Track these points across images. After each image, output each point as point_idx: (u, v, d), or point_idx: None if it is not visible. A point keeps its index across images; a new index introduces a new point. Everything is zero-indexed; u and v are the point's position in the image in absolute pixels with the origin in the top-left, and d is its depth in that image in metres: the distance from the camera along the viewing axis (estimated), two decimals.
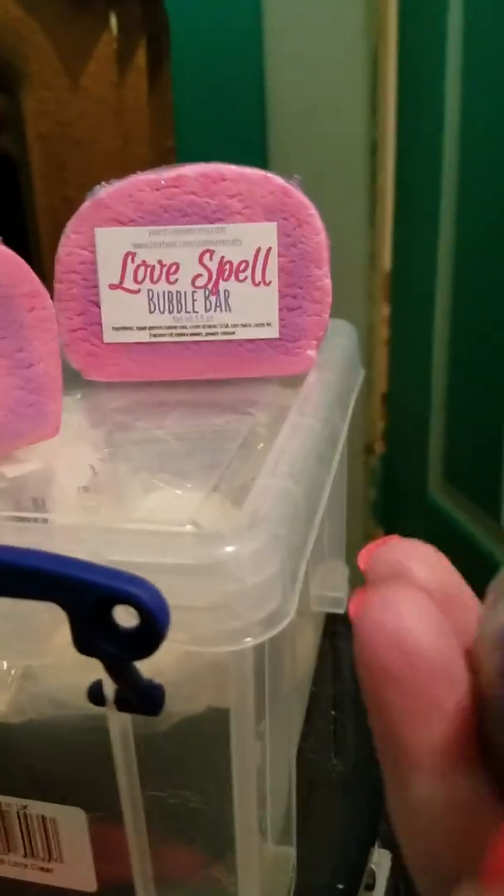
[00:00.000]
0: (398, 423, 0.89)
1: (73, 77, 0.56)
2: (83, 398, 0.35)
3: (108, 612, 0.21)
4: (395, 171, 0.84)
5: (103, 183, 0.32)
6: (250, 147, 0.85)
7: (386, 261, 0.87)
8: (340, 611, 0.39)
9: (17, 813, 0.28)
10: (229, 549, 0.21)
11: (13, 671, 0.27)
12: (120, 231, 0.32)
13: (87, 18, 0.55)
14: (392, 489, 0.90)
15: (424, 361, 0.81)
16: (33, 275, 0.27)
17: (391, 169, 0.85)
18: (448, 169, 0.75)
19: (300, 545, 0.24)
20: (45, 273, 0.60)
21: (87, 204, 0.32)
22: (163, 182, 0.32)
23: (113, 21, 0.56)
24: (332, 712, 0.37)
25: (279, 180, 0.32)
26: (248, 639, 0.21)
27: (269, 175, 0.32)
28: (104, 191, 0.32)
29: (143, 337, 0.34)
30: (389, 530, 0.86)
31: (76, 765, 0.27)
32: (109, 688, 0.23)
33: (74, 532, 0.23)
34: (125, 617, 0.21)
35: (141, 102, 0.60)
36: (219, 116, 0.83)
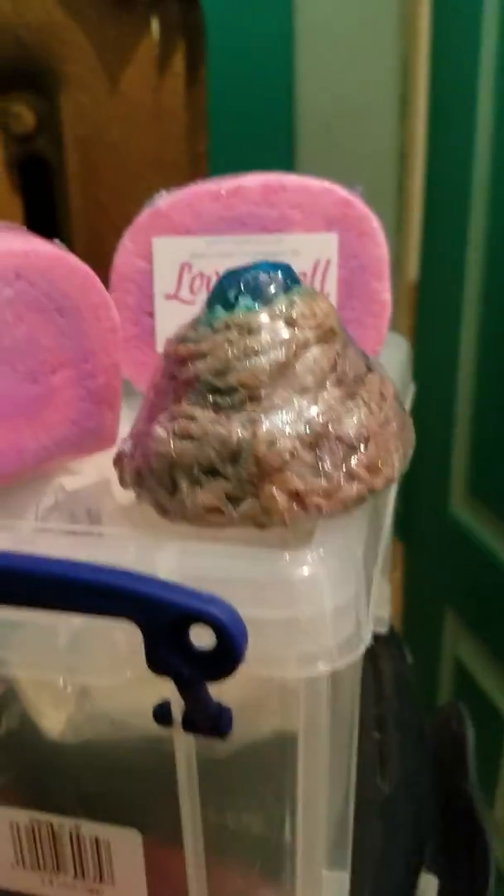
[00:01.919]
0: (421, 435, 0.88)
1: (111, 80, 0.56)
2: (131, 408, 0.35)
3: (185, 632, 0.20)
4: (425, 179, 0.84)
5: (162, 192, 0.32)
6: (278, 151, 0.85)
7: (412, 271, 0.87)
8: (383, 630, 0.39)
9: (70, 833, 0.27)
10: (306, 569, 0.21)
11: (69, 689, 0.27)
12: (177, 241, 0.32)
13: (128, 21, 0.55)
14: (413, 503, 0.90)
15: (449, 372, 0.80)
16: (101, 285, 0.26)
17: (420, 176, 0.84)
18: (479, 177, 0.74)
19: (372, 564, 0.24)
20: None
21: (144, 214, 0.32)
22: (223, 193, 0.31)
23: (154, 25, 0.56)
24: (376, 734, 0.36)
25: (341, 191, 0.32)
26: (323, 665, 0.21)
27: (331, 186, 0.32)
28: (163, 200, 0.32)
29: None
30: (410, 546, 0.86)
31: (134, 786, 0.26)
32: (177, 708, 0.23)
33: (145, 548, 0.22)
34: (200, 637, 0.20)
35: (178, 106, 0.60)
36: (247, 120, 0.83)
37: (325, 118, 0.83)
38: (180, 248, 0.32)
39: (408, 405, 0.37)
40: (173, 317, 0.33)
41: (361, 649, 0.21)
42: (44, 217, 0.59)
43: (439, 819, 0.36)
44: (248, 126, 0.82)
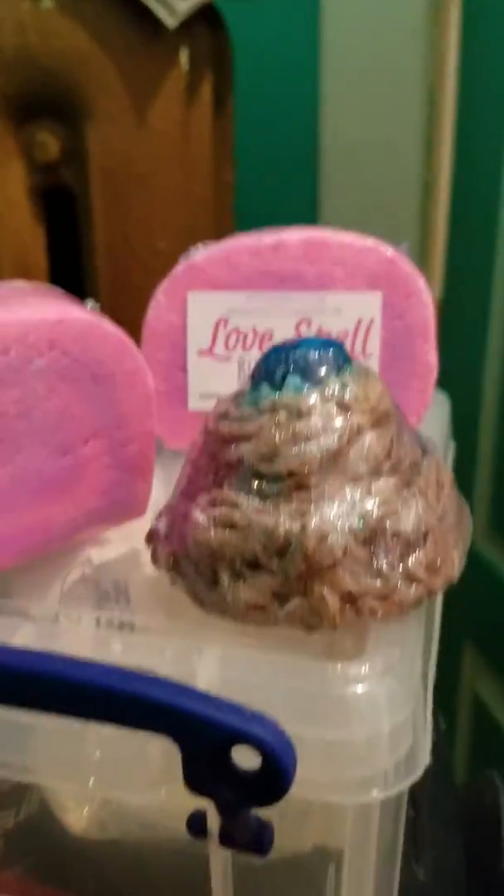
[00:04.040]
0: None
1: (139, 112, 0.55)
2: (161, 466, 0.33)
3: (227, 752, 0.19)
4: (450, 209, 0.82)
5: (199, 245, 0.30)
6: (301, 181, 0.84)
7: (436, 291, 0.85)
8: None
9: None
10: (361, 686, 0.19)
11: (91, 777, 0.25)
12: (214, 295, 0.30)
13: (157, 51, 0.54)
14: None
15: (473, 402, 0.78)
16: (137, 352, 0.25)
17: (444, 206, 0.83)
18: None
19: (428, 673, 0.22)
20: (103, 308, 0.59)
21: (180, 267, 0.30)
22: (262, 248, 0.30)
23: (183, 56, 0.54)
24: (411, 811, 0.34)
25: (386, 249, 0.30)
26: (378, 792, 0.19)
27: (375, 243, 0.30)
28: (199, 254, 0.30)
29: None
30: None
31: (162, 889, 0.24)
32: (213, 820, 0.21)
33: (183, 651, 0.20)
34: (244, 755, 0.19)
35: (205, 137, 0.59)
36: (272, 150, 0.82)
37: (350, 147, 0.82)
38: (216, 303, 0.31)
39: (449, 463, 0.36)
40: (207, 373, 0.32)
41: (419, 774, 0.19)
42: (67, 247, 0.58)
43: None
44: (274, 156, 0.81)
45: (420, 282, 0.30)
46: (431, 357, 0.31)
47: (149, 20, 0.52)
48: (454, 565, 0.21)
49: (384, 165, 0.83)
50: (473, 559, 0.79)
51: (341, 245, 0.30)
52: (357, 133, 0.81)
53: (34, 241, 0.58)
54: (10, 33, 0.53)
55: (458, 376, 0.83)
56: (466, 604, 0.76)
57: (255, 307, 0.31)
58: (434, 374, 0.31)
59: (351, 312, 0.30)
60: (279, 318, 0.31)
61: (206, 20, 0.56)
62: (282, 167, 0.82)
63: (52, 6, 0.52)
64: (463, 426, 0.81)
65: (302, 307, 0.30)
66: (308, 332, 0.31)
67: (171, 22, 0.51)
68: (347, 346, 0.31)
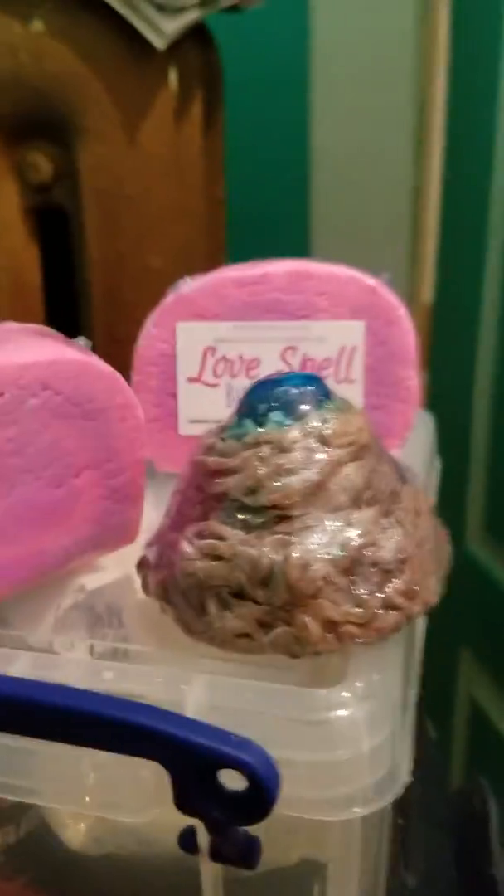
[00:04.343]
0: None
1: (129, 132, 0.56)
2: (153, 490, 0.34)
3: (214, 775, 0.20)
4: (441, 215, 0.83)
5: (186, 279, 0.31)
6: (294, 191, 0.85)
7: (426, 296, 0.86)
8: None
9: None
10: (342, 711, 0.20)
11: (87, 799, 0.26)
12: (202, 325, 0.31)
13: (147, 72, 0.55)
14: None
15: (464, 405, 0.79)
16: (126, 386, 0.26)
17: (435, 213, 0.84)
18: (496, 209, 0.74)
19: (408, 694, 0.23)
20: (93, 326, 0.59)
21: (169, 298, 0.31)
22: (247, 279, 0.31)
23: (173, 76, 0.55)
24: (400, 820, 0.35)
25: (367, 280, 0.31)
26: (359, 808, 0.20)
27: (357, 274, 0.31)
28: (188, 286, 0.31)
29: None
30: None
31: None
32: (203, 837, 0.22)
33: (173, 679, 0.21)
34: (232, 777, 0.20)
35: (195, 154, 0.59)
36: (263, 161, 0.82)
37: (341, 157, 0.83)
38: (204, 332, 0.32)
39: (434, 482, 0.37)
40: (196, 399, 0.33)
41: (399, 790, 0.20)
42: (61, 266, 0.59)
43: None
44: (265, 168, 0.82)
45: (401, 310, 0.31)
46: (413, 382, 0.32)
47: (138, 41, 0.53)
48: (432, 591, 0.22)
49: (375, 174, 0.84)
50: (469, 563, 0.80)
51: (324, 276, 0.31)
52: (348, 143, 0.82)
53: (29, 261, 0.59)
54: (2, 55, 0.54)
55: (450, 379, 0.84)
56: (463, 608, 0.77)
57: (242, 336, 0.32)
58: (416, 398, 0.32)
59: (335, 340, 0.31)
60: (265, 346, 0.32)
61: (196, 39, 0.57)
62: (274, 180, 0.83)
63: (42, 29, 0.53)
64: (455, 425, 0.82)
65: (287, 335, 0.32)
66: (293, 358, 0.32)
67: (159, 43, 0.52)
68: (331, 372, 0.32)
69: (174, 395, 0.32)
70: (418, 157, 0.84)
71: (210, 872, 0.23)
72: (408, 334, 0.31)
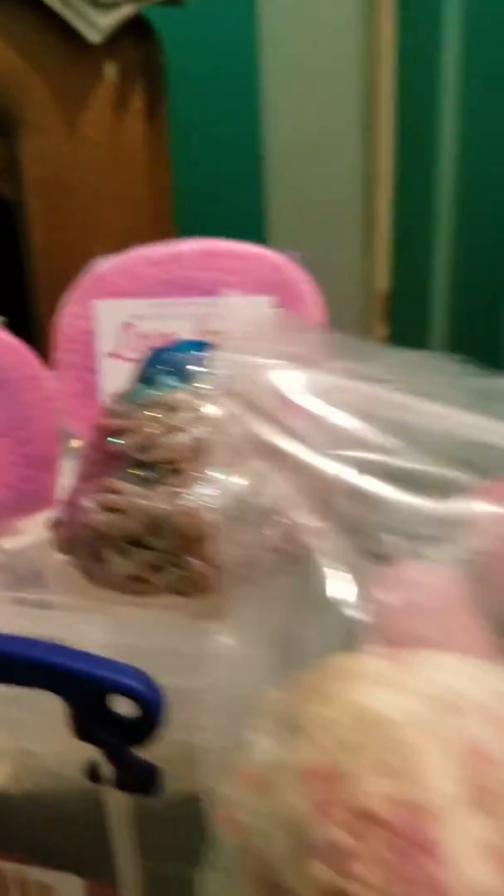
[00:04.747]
0: None
1: (70, 124, 0.57)
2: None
3: (107, 703, 0.22)
4: (393, 197, 0.85)
5: (101, 258, 0.33)
6: (247, 179, 0.86)
7: (382, 282, 0.88)
8: None
9: (16, 879, 0.28)
10: (225, 640, 0.22)
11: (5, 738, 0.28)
12: (119, 303, 0.33)
13: (85, 66, 0.56)
14: None
15: None
16: (33, 358, 0.28)
17: (386, 201, 0.86)
18: (445, 196, 0.77)
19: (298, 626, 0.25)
20: (43, 314, 0.61)
21: (86, 278, 0.33)
22: (160, 258, 0.33)
23: (111, 69, 0.57)
24: None
25: (274, 257, 0.33)
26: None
27: (265, 252, 0.33)
28: (104, 265, 0.33)
29: None
30: None
31: (74, 835, 0.27)
32: (107, 767, 0.24)
33: (73, 620, 0.23)
34: (124, 705, 0.22)
35: (138, 145, 0.61)
36: (215, 152, 0.84)
37: (292, 144, 0.85)
38: (121, 310, 0.33)
39: None
40: (116, 373, 0.34)
41: None
42: (8, 256, 0.61)
43: None
44: (216, 157, 0.84)
45: (304, 285, 0.33)
46: None
47: (76, 37, 0.55)
48: (311, 533, 0.25)
49: (327, 164, 0.85)
50: None
51: (234, 254, 0.33)
52: (299, 132, 0.84)
53: None
54: None
55: None
56: None
57: (158, 313, 0.33)
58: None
59: (244, 314, 0.33)
60: (180, 321, 0.34)
61: (135, 33, 0.59)
62: (226, 169, 0.84)
63: None
64: None
65: (200, 311, 0.33)
66: (207, 333, 0.34)
67: (94, 38, 0.54)
68: None
69: (95, 371, 0.34)
70: (368, 145, 0.86)
71: (116, 803, 0.25)
72: (313, 308, 0.33)
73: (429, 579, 0.14)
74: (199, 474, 0.24)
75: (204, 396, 0.24)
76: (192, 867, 0.28)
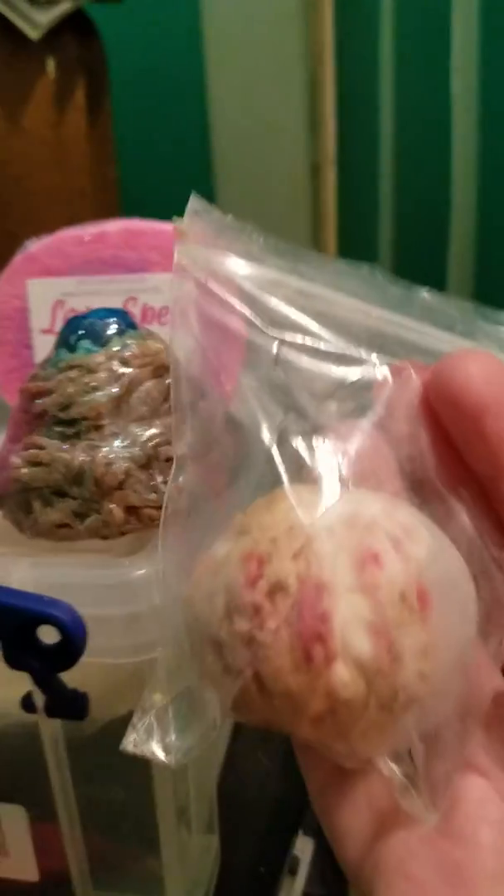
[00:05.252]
0: None
1: (11, 118, 0.59)
2: None
3: (33, 632, 0.24)
4: (337, 188, 0.88)
5: (32, 239, 0.35)
6: (195, 171, 0.88)
7: None
8: None
9: None
10: (139, 572, 0.24)
11: None
12: (50, 282, 0.36)
13: (25, 61, 0.58)
14: None
15: None
16: None
17: (332, 191, 0.89)
18: (385, 186, 0.80)
19: None
20: None
21: (18, 258, 0.35)
22: (87, 238, 0.35)
23: (50, 65, 0.59)
24: None
25: None
26: (160, 650, 0.24)
27: None
28: (34, 246, 0.35)
29: None
30: None
31: (16, 768, 0.30)
32: (39, 697, 0.26)
33: (2, 562, 0.26)
34: (49, 635, 0.24)
35: (80, 139, 0.63)
36: (163, 144, 0.86)
37: (239, 137, 0.87)
38: (52, 288, 0.36)
39: None
40: (49, 348, 0.37)
41: None
42: None
43: None
44: (164, 149, 0.86)
45: None
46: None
47: (15, 33, 0.56)
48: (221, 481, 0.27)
49: (274, 155, 0.88)
50: None
51: (155, 232, 0.35)
52: (245, 119, 0.86)
53: None
54: None
55: None
56: None
57: (87, 290, 0.36)
58: (243, 341, 0.36)
59: (168, 290, 0.36)
60: (108, 298, 0.36)
61: (75, 28, 0.61)
62: (173, 161, 0.87)
63: None
64: None
65: (127, 287, 0.36)
66: (135, 308, 0.36)
67: (33, 34, 0.56)
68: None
69: (29, 346, 0.36)
70: (313, 135, 0.88)
71: (49, 729, 0.27)
72: None
73: (350, 429, 0.17)
74: (116, 430, 0.26)
75: (119, 358, 0.27)
76: (124, 790, 0.30)
